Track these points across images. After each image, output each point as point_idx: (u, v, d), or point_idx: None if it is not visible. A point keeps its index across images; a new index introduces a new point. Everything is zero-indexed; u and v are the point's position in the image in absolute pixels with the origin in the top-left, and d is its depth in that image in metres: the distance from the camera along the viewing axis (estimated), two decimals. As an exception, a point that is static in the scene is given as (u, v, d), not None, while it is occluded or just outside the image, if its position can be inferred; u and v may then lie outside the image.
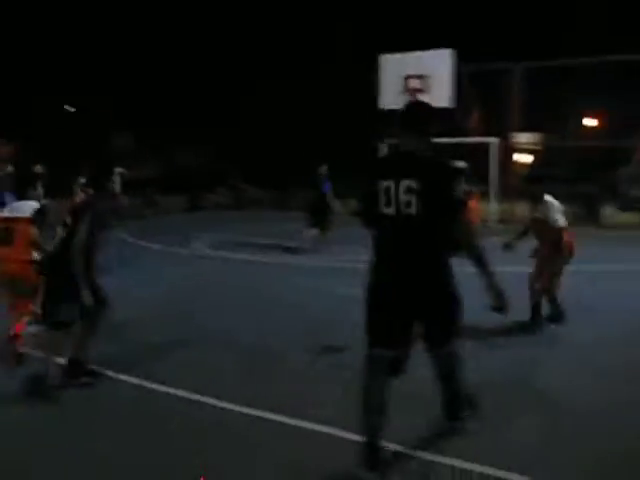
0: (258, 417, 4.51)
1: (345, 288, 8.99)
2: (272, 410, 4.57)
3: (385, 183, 3.69)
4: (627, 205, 20.61)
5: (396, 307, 3.73)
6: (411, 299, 3.71)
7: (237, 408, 4.66)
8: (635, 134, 20.30)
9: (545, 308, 7.19)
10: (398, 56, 19.03)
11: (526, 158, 40.88)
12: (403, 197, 3.62)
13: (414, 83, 18.51)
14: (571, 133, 33.42)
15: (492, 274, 3.73)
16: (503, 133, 20.48)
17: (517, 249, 7.23)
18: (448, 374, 4.04)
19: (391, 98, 18.87)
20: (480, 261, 3.72)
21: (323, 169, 13.68)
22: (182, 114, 32.66)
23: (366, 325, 3.84)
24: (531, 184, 7.43)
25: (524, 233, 7.43)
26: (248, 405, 4.67)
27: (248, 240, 15.42)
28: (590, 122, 37.07)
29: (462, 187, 3.70)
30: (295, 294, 8.95)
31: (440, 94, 18.12)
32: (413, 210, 3.61)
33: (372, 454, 3.70)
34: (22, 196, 7.56)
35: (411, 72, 18.53)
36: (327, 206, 13.50)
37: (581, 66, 20.00)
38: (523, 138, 33.56)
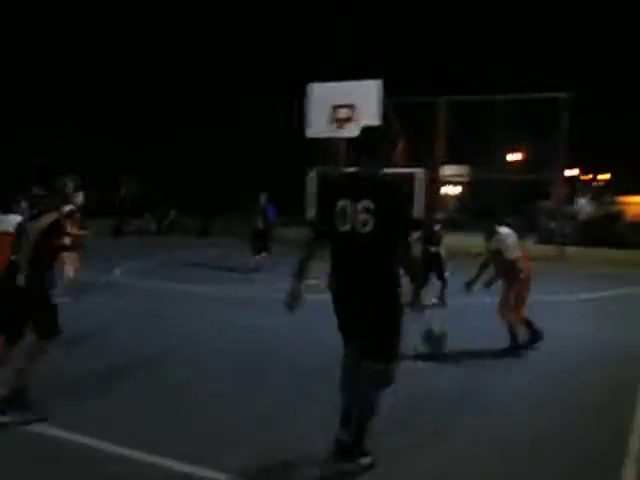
0: (161, 465, 4.16)
1: (256, 319, 8.78)
2: (177, 458, 4.23)
3: (341, 203, 3.98)
4: (546, 238, 21.20)
5: (345, 318, 4.10)
6: (363, 308, 3.98)
7: (142, 456, 4.29)
8: (553, 169, 20.96)
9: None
10: (326, 85, 19.18)
11: (454, 190, 41.87)
12: (360, 216, 3.90)
13: (342, 113, 18.66)
14: (497, 166, 34.36)
15: (418, 288, 4.27)
16: (429, 165, 20.81)
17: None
18: (359, 389, 4.07)
19: (319, 127, 18.98)
20: (413, 278, 4.10)
21: (263, 197, 14.15)
22: (117, 141, 32.15)
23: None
24: (483, 218, 7.55)
25: (483, 267, 7.51)
26: (151, 452, 4.30)
27: (169, 268, 15.07)
28: (514, 156, 38.30)
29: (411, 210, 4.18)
30: (211, 326, 8.67)
31: (368, 124, 18.28)
32: (369, 228, 3.89)
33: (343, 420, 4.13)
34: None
35: (339, 102, 18.67)
36: (269, 233, 14.16)
37: (501, 102, 20.59)
38: (450, 170, 34.29)
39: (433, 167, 21.11)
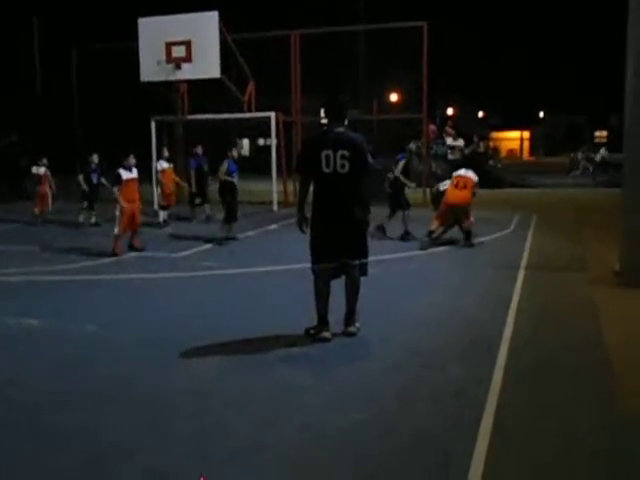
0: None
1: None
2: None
3: (325, 152, 5.63)
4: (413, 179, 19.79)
5: (331, 235, 5.71)
6: (341, 229, 5.69)
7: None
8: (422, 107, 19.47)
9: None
10: (157, 20, 16.67)
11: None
12: (339, 161, 5.63)
13: (177, 51, 16.32)
14: (375, 106, 32.67)
15: (368, 211, 5.86)
16: (285, 107, 18.86)
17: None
18: (353, 283, 5.84)
19: (152, 69, 16.60)
20: (367, 207, 5.85)
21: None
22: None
23: (312, 249, 5.82)
24: None
25: None
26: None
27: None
28: (394, 97, 36.97)
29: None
30: None
31: (207, 64, 16.14)
32: (345, 170, 5.64)
33: (324, 322, 5.80)
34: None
35: (173, 38, 16.28)
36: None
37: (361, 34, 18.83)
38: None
39: (294, 109, 19.08)
